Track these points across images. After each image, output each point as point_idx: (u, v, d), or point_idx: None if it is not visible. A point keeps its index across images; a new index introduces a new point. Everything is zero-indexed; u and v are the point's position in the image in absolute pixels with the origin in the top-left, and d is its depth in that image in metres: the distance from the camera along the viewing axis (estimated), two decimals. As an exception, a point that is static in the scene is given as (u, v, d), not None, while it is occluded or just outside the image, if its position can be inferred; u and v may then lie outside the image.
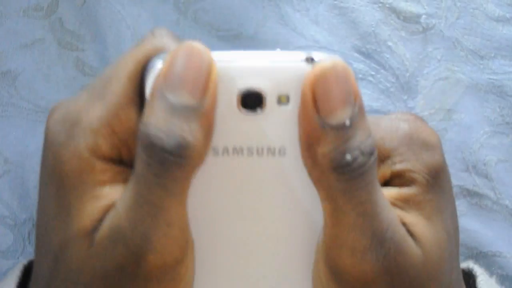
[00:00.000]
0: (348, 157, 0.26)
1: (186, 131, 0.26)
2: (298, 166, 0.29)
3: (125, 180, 0.27)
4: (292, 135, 0.29)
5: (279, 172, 0.29)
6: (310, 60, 0.28)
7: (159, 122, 0.25)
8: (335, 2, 0.48)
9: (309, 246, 0.29)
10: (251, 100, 0.28)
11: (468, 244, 0.47)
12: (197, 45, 0.27)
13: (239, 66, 0.28)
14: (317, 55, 0.28)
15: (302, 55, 0.28)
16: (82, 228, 0.26)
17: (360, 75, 0.47)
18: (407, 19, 0.48)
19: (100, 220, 0.27)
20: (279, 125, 0.29)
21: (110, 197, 0.27)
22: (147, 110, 0.26)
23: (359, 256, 0.27)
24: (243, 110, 0.28)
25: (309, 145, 0.27)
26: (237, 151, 0.29)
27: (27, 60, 0.46)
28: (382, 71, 0.48)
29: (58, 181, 0.27)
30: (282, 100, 0.28)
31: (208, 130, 0.27)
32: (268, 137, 0.29)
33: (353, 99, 0.26)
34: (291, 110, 0.28)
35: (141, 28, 0.47)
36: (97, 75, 0.47)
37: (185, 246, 0.27)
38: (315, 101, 0.27)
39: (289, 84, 0.28)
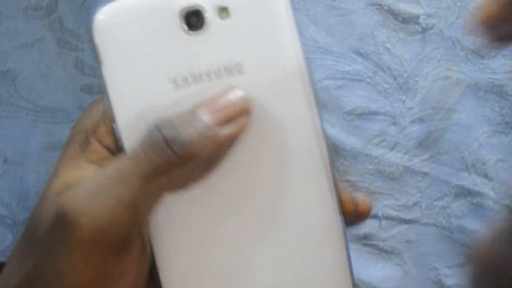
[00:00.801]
0: None
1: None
2: (259, 81, 0.29)
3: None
4: (243, 50, 0.29)
5: (243, 90, 0.29)
6: None
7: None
8: (334, 3, 0.48)
9: (296, 178, 0.29)
10: (194, 19, 0.29)
11: (468, 244, 0.47)
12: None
13: None
14: None
15: None
16: (53, 189, 0.28)
17: (358, 77, 0.47)
18: (406, 20, 0.48)
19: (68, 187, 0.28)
20: (228, 41, 0.29)
21: (85, 173, 0.28)
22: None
23: None
24: (188, 31, 0.29)
25: None
26: (196, 78, 0.29)
27: (26, 60, 0.46)
28: (380, 72, 0.48)
29: (67, 141, 0.30)
30: (223, 14, 0.29)
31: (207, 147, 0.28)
32: (221, 55, 0.29)
33: None
34: (234, 23, 0.29)
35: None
36: (96, 74, 0.47)
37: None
38: None
39: None
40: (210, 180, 0.29)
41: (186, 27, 0.29)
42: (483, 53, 0.48)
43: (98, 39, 0.29)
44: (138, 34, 0.29)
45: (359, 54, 0.48)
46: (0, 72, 0.46)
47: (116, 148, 0.29)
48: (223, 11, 0.29)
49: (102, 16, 0.30)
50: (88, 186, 0.27)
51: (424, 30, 0.48)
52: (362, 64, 0.48)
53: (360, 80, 0.47)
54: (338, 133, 0.47)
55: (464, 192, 0.47)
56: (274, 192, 0.29)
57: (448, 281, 0.47)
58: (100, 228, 0.26)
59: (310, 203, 0.29)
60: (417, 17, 0.48)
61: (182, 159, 0.27)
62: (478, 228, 0.47)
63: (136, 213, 0.27)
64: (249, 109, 0.28)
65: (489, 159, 0.47)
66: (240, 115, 0.28)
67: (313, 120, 0.29)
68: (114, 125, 0.29)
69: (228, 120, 0.27)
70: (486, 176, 0.47)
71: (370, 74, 0.48)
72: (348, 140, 0.47)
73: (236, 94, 0.28)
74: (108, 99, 0.29)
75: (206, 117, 0.27)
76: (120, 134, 0.29)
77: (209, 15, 0.29)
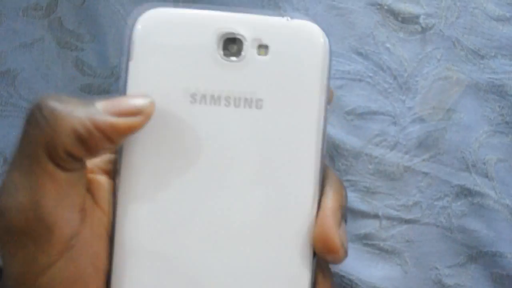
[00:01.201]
0: None
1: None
2: (274, 121, 0.29)
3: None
4: (269, 89, 0.29)
5: (255, 125, 0.30)
6: (290, 18, 0.30)
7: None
8: (334, 2, 0.48)
9: (281, 208, 0.30)
10: (232, 47, 0.29)
11: (468, 244, 0.47)
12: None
13: (222, 13, 0.30)
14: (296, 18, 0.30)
15: (284, 17, 0.30)
16: None
17: (358, 77, 0.47)
18: (406, 20, 0.48)
19: None
20: (257, 77, 0.29)
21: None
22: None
23: None
24: (223, 56, 0.29)
25: None
26: (215, 100, 0.29)
27: (26, 60, 0.46)
28: (380, 72, 0.48)
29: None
30: (262, 51, 0.29)
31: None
32: (246, 87, 0.29)
33: None
34: (270, 62, 0.29)
35: (140, 28, 0.47)
36: (96, 74, 0.47)
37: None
38: None
39: (269, 35, 0.30)
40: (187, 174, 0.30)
41: (221, 51, 0.29)
42: (483, 52, 0.48)
43: (136, 37, 0.30)
44: (174, 44, 0.30)
45: (359, 54, 0.48)
46: (0, 72, 0.46)
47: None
48: (263, 48, 0.30)
49: (147, 17, 0.30)
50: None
51: (424, 30, 0.48)
52: (362, 64, 0.48)
53: (360, 80, 0.47)
54: (338, 133, 0.47)
55: (464, 192, 0.47)
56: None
57: (449, 281, 0.46)
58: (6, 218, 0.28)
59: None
60: (417, 17, 0.48)
61: (51, 124, 0.27)
62: (479, 228, 0.47)
63: (34, 198, 0.28)
64: (145, 113, 0.29)
65: (489, 159, 0.47)
66: (133, 114, 0.28)
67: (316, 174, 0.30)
68: None
69: (119, 114, 0.28)
70: (486, 176, 0.47)
71: (370, 74, 0.48)
72: (348, 140, 0.47)
73: (137, 98, 0.29)
74: (124, 91, 0.30)
75: (98, 103, 0.28)
76: None
77: (248, 47, 0.29)
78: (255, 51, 0.29)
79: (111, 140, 0.28)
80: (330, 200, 0.30)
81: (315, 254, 0.30)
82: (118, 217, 0.30)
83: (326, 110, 0.30)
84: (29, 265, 0.28)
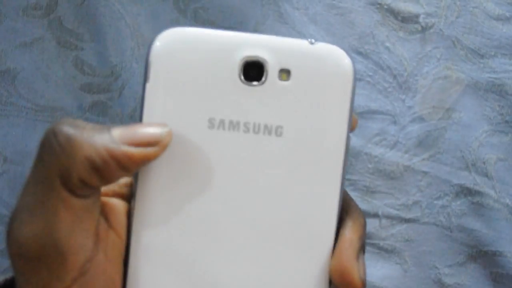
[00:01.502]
0: None
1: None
2: (294, 150, 0.28)
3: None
4: (290, 116, 0.28)
5: (274, 153, 0.29)
6: (312, 42, 0.29)
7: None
8: (334, 2, 0.48)
9: (299, 237, 0.29)
10: (253, 71, 0.28)
11: (468, 243, 0.47)
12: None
13: (243, 36, 0.28)
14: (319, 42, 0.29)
15: (307, 39, 0.29)
16: None
17: (358, 76, 0.47)
18: (406, 19, 0.48)
19: None
20: (278, 102, 0.28)
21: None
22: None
23: None
24: (244, 80, 0.28)
25: None
26: (234, 125, 0.28)
27: (26, 59, 0.46)
28: (380, 71, 0.48)
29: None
30: (283, 76, 0.28)
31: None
32: (266, 113, 0.28)
33: None
34: (291, 88, 0.28)
35: (140, 27, 0.47)
36: (96, 74, 0.47)
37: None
38: None
39: (291, 59, 0.28)
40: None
41: (242, 76, 0.28)
42: (483, 52, 0.48)
43: (153, 57, 0.29)
44: (193, 65, 0.29)
45: (359, 53, 0.48)
46: (0, 71, 0.46)
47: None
48: (285, 73, 0.28)
49: (166, 37, 0.29)
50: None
51: (424, 29, 0.48)
52: (362, 63, 0.48)
53: (360, 79, 0.47)
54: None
55: (464, 191, 0.47)
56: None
57: (448, 280, 0.46)
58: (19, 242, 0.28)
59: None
60: (417, 16, 0.48)
61: (67, 152, 0.27)
62: (479, 227, 0.47)
63: (47, 223, 0.28)
64: (162, 143, 0.28)
65: (489, 158, 0.47)
66: (149, 145, 0.28)
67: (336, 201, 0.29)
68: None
69: (135, 143, 0.28)
70: (486, 175, 0.47)
71: (370, 73, 0.48)
72: (348, 139, 0.47)
73: (154, 127, 0.28)
74: (141, 116, 0.29)
75: (114, 131, 0.28)
76: None
77: (269, 72, 0.28)
78: (276, 75, 0.28)
79: (126, 169, 0.28)
80: (349, 231, 0.29)
81: (331, 283, 0.29)
82: (133, 242, 0.29)
83: (348, 139, 0.29)
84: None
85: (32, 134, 0.46)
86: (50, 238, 0.27)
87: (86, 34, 0.47)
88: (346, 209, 0.30)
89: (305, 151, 0.29)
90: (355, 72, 0.29)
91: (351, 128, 0.30)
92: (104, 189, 0.30)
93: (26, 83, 0.46)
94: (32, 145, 0.46)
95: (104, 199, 0.30)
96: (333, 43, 0.29)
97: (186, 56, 0.29)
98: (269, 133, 0.28)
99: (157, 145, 0.28)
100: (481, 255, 0.46)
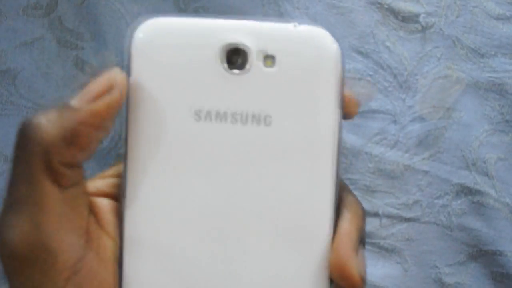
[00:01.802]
0: None
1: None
2: (284, 139, 0.27)
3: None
4: (278, 104, 0.27)
5: (264, 144, 0.28)
6: (296, 25, 0.27)
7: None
8: (334, 1, 0.48)
9: (291, 227, 0.28)
10: (237, 59, 0.27)
11: (468, 242, 0.47)
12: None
13: (224, 22, 0.27)
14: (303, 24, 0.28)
15: (290, 23, 0.28)
16: None
17: (358, 75, 0.47)
18: (406, 18, 0.48)
19: None
20: (265, 90, 0.27)
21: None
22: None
23: None
24: (227, 69, 0.27)
25: None
26: (221, 116, 0.27)
27: (26, 59, 0.46)
28: (380, 71, 0.48)
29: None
30: (268, 62, 0.27)
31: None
32: (253, 102, 0.27)
33: None
34: (277, 74, 0.27)
35: (140, 27, 0.47)
36: (96, 73, 0.47)
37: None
38: None
39: (275, 44, 0.27)
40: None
41: (225, 64, 0.27)
42: (483, 51, 0.48)
43: (134, 50, 0.28)
44: (175, 57, 0.28)
45: (359, 52, 0.48)
46: (0, 71, 0.46)
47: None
48: (269, 59, 0.27)
49: (145, 29, 0.28)
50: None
51: (424, 29, 0.48)
52: (362, 63, 0.48)
53: (360, 79, 0.47)
54: (339, 132, 0.47)
55: (464, 191, 0.47)
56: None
57: (449, 280, 0.46)
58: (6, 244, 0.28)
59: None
60: (417, 15, 0.48)
61: (37, 140, 0.27)
62: (479, 226, 0.47)
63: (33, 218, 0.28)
64: (117, 84, 0.27)
65: (489, 158, 0.47)
66: (107, 92, 0.27)
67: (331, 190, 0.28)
68: (123, 140, 0.28)
69: (93, 98, 0.27)
70: (486, 174, 0.47)
71: (370, 73, 0.48)
72: (349, 138, 0.47)
73: (103, 75, 0.28)
74: (126, 111, 0.28)
75: (72, 100, 0.27)
76: (127, 148, 0.28)
77: (253, 58, 0.27)
78: (261, 62, 0.27)
79: (98, 127, 0.27)
80: (346, 222, 0.28)
81: (331, 280, 0.28)
82: (126, 240, 0.29)
83: (341, 124, 0.28)
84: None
85: (32, 133, 0.46)
86: (38, 236, 0.27)
87: (86, 34, 0.47)
88: (343, 200, 0.29)
89: (296, 139, 0.28)
90: (342, 52, 0.28)
91: (351, 113, 0.29)
92: (92, 189, 0.30)
93: (27, 82, 0.46)
94: (33, 144, 0.46)
95: (93, 199, 0.30)
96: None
97: (169, 48, 0.28)
98: (258, 123, 0.27)
99: (114, 88, 0.27)
100: (482, 255, 0.46)
